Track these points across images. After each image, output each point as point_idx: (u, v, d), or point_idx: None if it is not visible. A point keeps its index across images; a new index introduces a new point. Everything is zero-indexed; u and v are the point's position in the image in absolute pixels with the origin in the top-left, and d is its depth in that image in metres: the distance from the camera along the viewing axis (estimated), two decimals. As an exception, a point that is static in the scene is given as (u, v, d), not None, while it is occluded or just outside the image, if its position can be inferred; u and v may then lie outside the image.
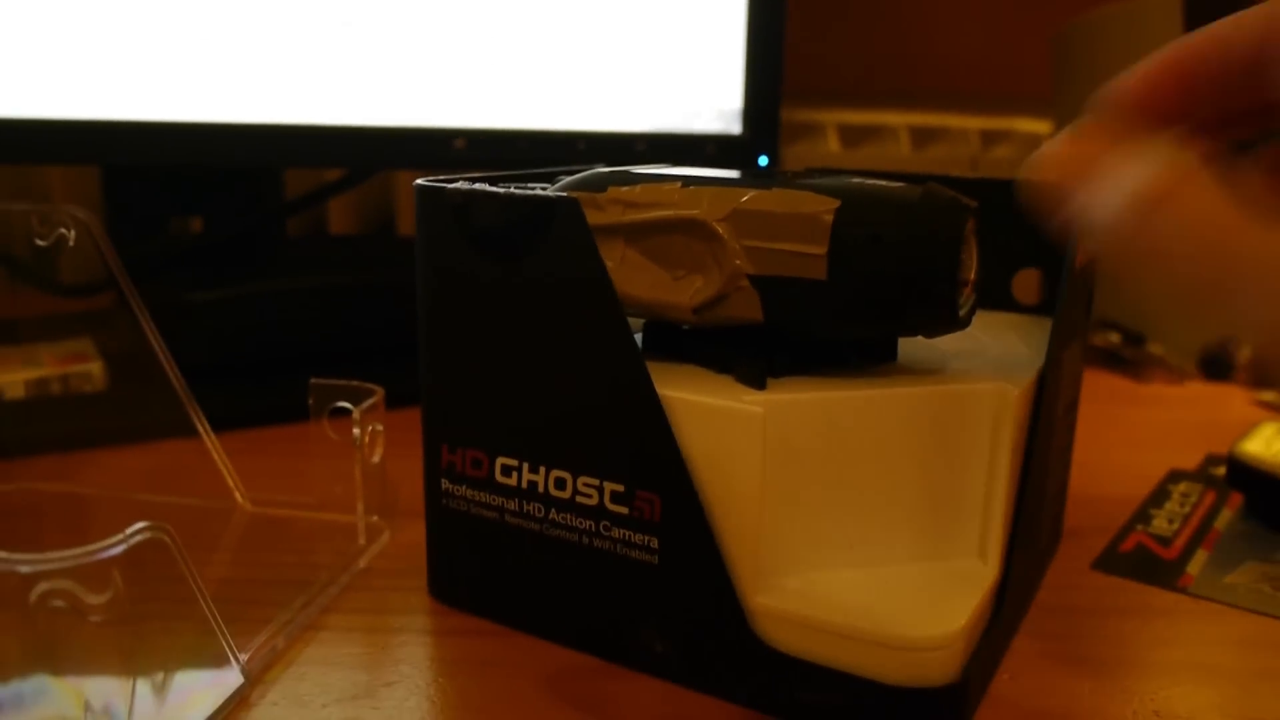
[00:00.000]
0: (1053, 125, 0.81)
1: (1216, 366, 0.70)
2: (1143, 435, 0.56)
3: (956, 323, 0.29)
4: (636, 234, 0.30)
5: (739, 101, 0.64)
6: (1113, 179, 0.22)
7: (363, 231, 0.88)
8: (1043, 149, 0.24)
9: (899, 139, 0.99)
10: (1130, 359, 0.71)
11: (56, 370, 0.56)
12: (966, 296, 0.29)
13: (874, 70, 1.06)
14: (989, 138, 1.04)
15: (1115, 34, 0.74)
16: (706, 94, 0.63)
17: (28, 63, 0.49)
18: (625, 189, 0.31)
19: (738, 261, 0.28)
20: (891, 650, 0.26)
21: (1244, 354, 0.69)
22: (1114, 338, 0.72)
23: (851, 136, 1.03)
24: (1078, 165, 0.23)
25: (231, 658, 0.29)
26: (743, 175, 0.31)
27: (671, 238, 0.30)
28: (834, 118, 1.02)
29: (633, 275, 0.30)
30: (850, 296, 0.28)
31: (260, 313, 0.58)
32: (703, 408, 0.27)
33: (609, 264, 0.30)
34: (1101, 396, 0.65)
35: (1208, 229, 0.20)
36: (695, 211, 0.29)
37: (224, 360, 0.57)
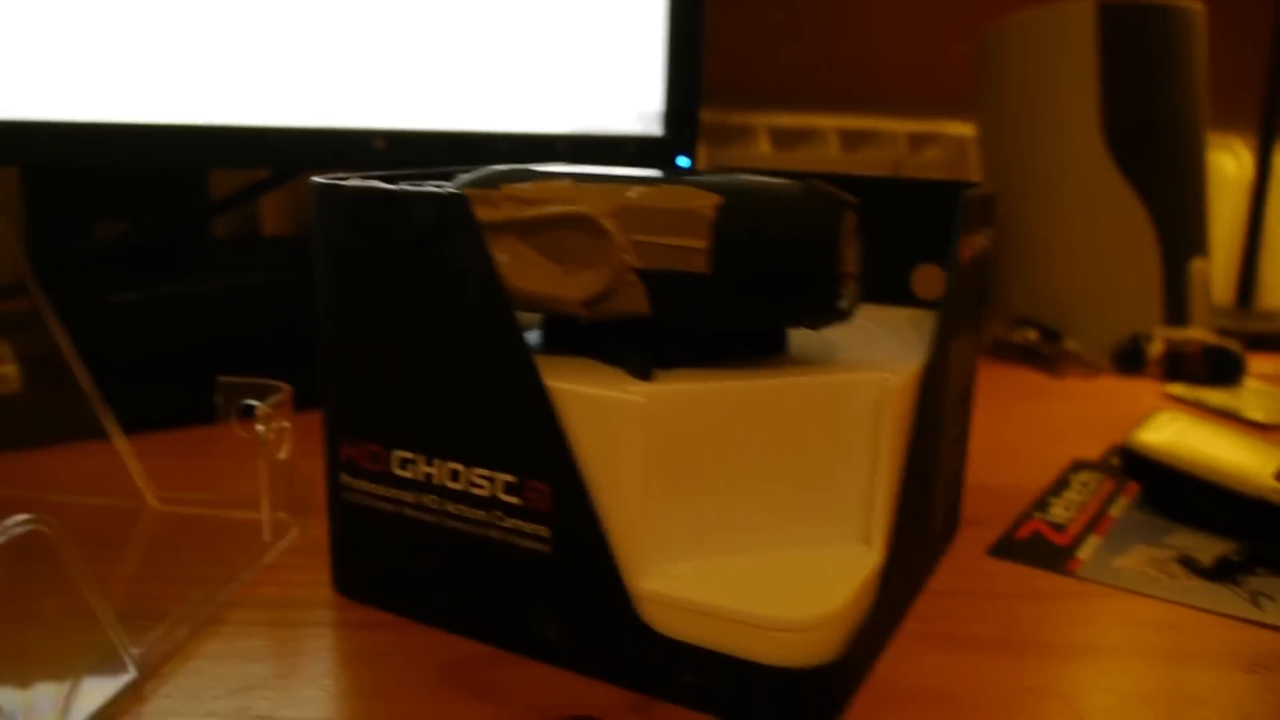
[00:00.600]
0: (977, 128, 0.83)
1: (1129, 360, 0.72)
2: (1052, 428, 0.58)
3: (837, 314, 0.30)
4: (529, 230, 0.31)
5: (659, 103, 0.65)
6: None
7: (296, 233, 0.88)
8: None
9: (829, 142, 1.00)
10: (1047, 355, 0.73)
11: (-30, 373, 0.55)
12: (848, 289, 0.30)
13: (805, 74, 1.08)
14: (917, 140, 1.06)
15: (1034, 39, 0.76)
16: (627, 95, 0.64)
17: (-65, 62, 0.49)
18: (519, 185, 0.31)
19: (625, 256, 0.29)
20: (770, 631, 0.27)
21: (1155, 348, 0.71)
22: (1031, 334, 0.74)
23: (783, 139, 1.04)
24: None
25: (123, 651, 0.29)
26: (635, 174, 0.31)
27: (562, 233, 0.30)
28: (765, 120, 1.04)
29: (525, 270, 0.31)
30: (732, 289, 0.28)
31: (181, 314, 0.58)
32: (587, 398, 0.28)
33: (502, 259, 0.31)
34: (1016, 391, 0.66)
35: None
36: (584, 207, 0.30)
37: (145, 361, 0.57)
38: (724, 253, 0.28)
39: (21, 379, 0.56)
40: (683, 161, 0.66)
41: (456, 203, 0.29)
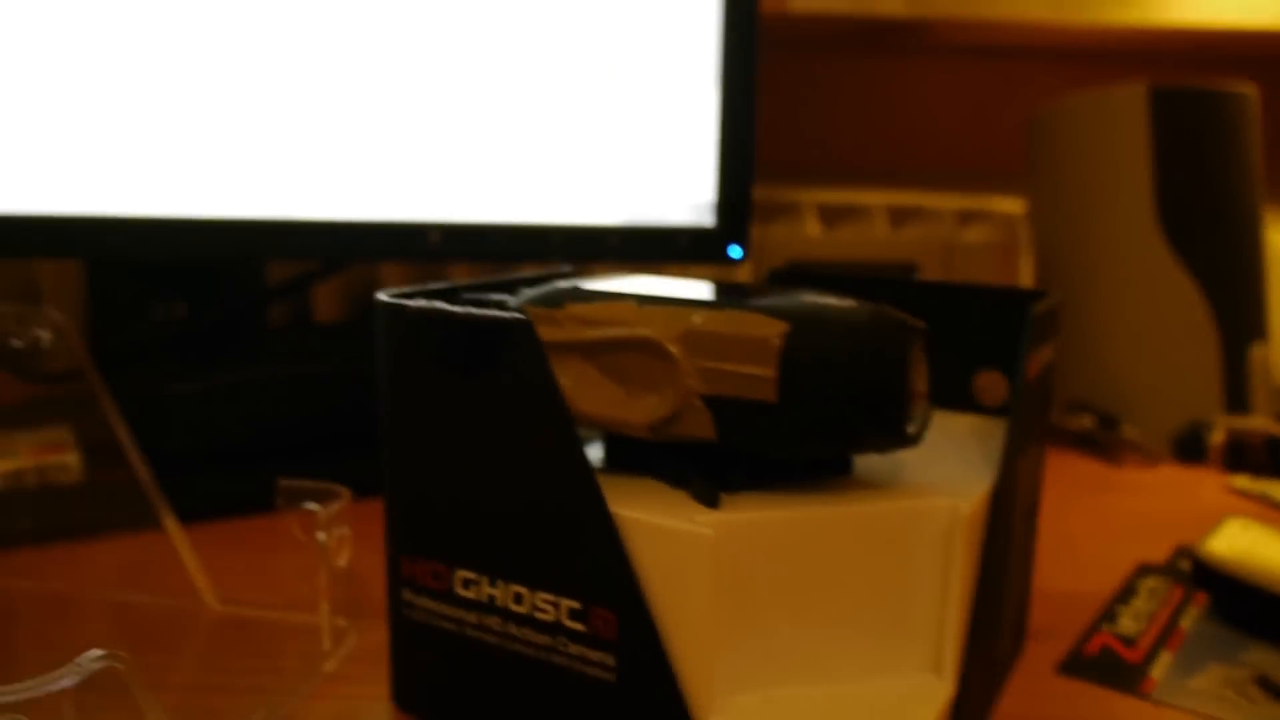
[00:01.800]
0: (1028, 208, 0.83)
1: (1190, 449, 0.70)
2: (1113, 525, 0.57)
3: (906, 440, 0.29)
4: (593, 351, 0.31)
5: (711, 194, 0.65)
6: None
7: (347, 317, 0.89)
8: None
9: (877, 219, 1.00)
10: (1104, 442, 0.71)
11: (33, 461, 0.56)
12: (917, 413, 0.30)
13: (853, 149, 1.08)
14: (965, 217, 1.06)
15: (1086, 122, 0.76)
16: (679, 187, 0.64)
17: (14, 160, 0.50)
18: (583, 306, 0.31)
19: (690, 381, 0.29)
20: (842, 773, 0.26)
21: (1217, 437, 0.70)
22: (1087, 421, 0.73)
23: (830, 216, 1.04)
24: None
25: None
26: (698, 292, 0.31)
27: (626, 356, 0.30)
28: (812, 197, 1.04)
29: (589, 392, 0.31)
30: (800, 418, 0.28)
31: (240, 403, 0.58)
32: (655, 528, 0.28)
33: (565, 380, 0.31)
34: (1073, 483, 0.65)
35: None
36: (649, 331, 0.30)
37: (205, 450, 0.58)
38: (791, 382, 0.28)
39: (83, 467, 0.57)
40: (735, 252, 0.66)
41: (521, 328, 0.29)
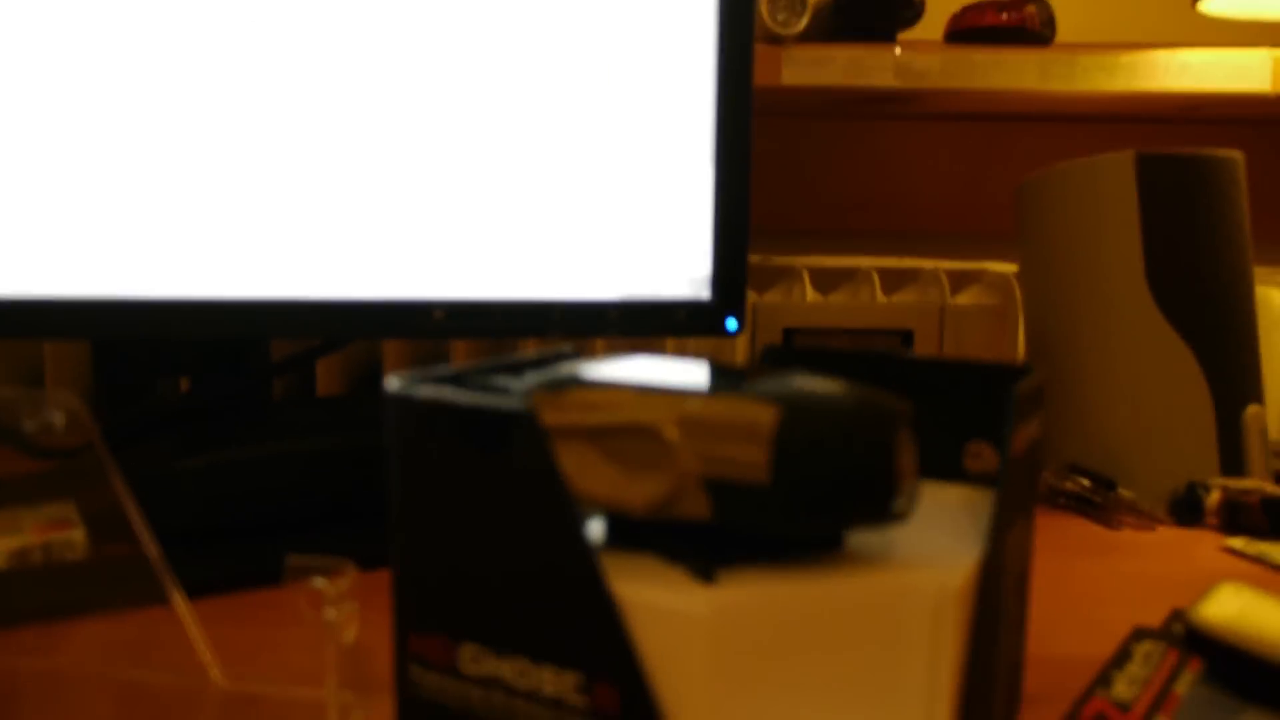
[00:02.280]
0: (1019, 273, 0.84)
1: (1186, 510, 0.71)
2: (1109, 588, 0.57)
3: (895, 518, 0.30)
4: (594, 435, 0.32)
5: (707, 268, 0.66)
6: None
7: (349, 389, 0.90)
8: None
9: (870, 283, 1.02)
10: (1100, 504, 0.72)
11: (39, 538, 0.57)
12: (905, 491, 0.31)
13: (845, 213, 1.10)
14: (959, 278, 1.08)
15: (1074, 189, 0.78)
16: (676, 262, 0.66)
17: (20, 243, 0.52)
18: (585, 392, 0.32)
19: (687, 464, 0.30)
20: None
21: (1213, 498, 0.70)
22: (1084, 483, 0.74)
23: (825, 280, 1.06)
24: None
25: None
26: (695, 377, 0.33)
27: (627, 440, 0.31)
28: (807, 262, 1.06)
29: (591, 474, 0.32)
30: (791, 499, 0.29)
31: (246, 479, 0.59)
32: (653, 609, 0.29)
33: (569, 462, 0.32)
34: (1069, 546, 0.66)
35: None
36: (648, 417, 0.31)
37: (210, 525, 0.58)
38: (783, 465, 0.29)
39: (87, 543, 0.58)
40: (731, 324, 0.67)
41: (527, 420, 0.30)
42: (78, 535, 0.57)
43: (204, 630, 0.47)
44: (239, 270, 0.56)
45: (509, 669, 0.32)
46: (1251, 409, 0.75)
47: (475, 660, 0.32)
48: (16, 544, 0.56)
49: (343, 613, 0.39)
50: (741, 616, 0.29)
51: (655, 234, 0.65)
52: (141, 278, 0.54)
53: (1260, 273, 1.13)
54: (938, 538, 0.35)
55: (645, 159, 0.64)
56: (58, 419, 0.43)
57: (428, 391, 0.32)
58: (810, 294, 1.00)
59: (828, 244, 1.13)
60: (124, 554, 0.46)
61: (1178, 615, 0.52)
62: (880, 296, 1.01)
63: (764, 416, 0.29)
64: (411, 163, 0.59)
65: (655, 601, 0.29)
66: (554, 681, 0.31)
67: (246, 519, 0.59)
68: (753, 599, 0.29)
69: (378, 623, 0.48)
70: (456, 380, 0.36)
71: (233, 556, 0.56)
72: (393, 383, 0.33)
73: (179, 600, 0.45)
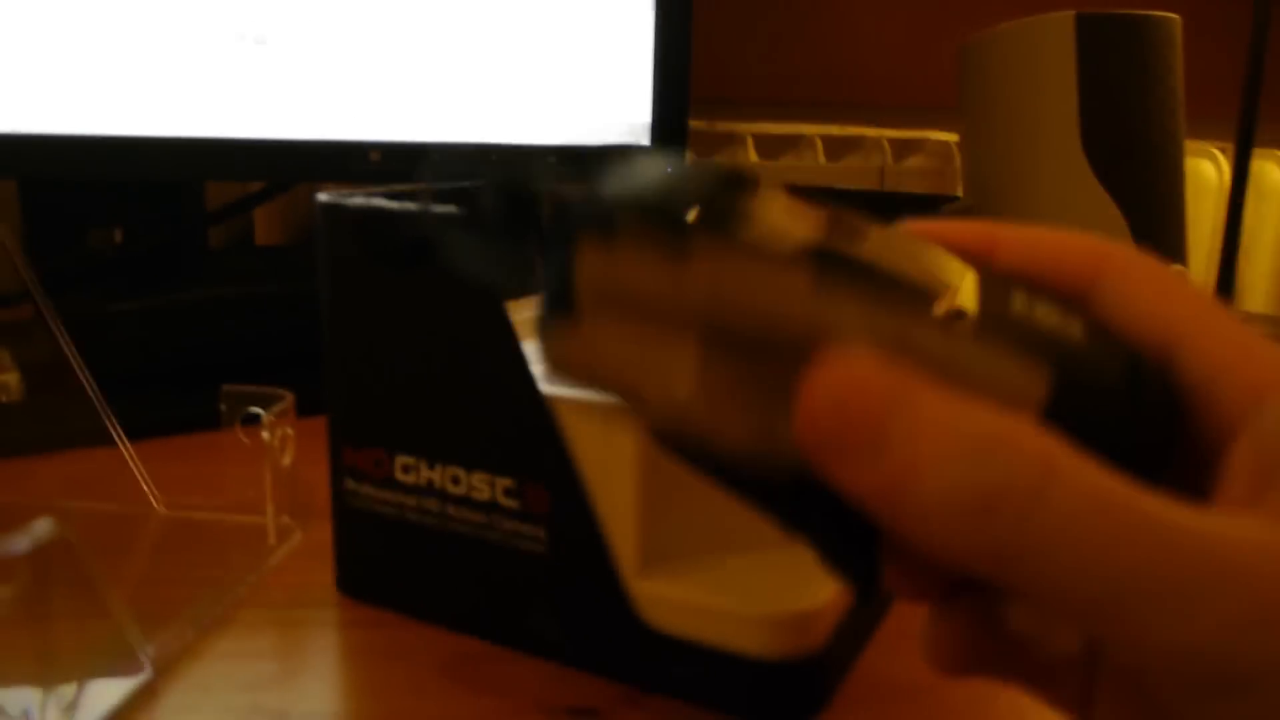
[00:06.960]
0: (960, 137, 0.85)
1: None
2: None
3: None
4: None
5: (648, 115, 0.66)
6: (950, 439, 0.16)
7: (288, 242, 0.89)
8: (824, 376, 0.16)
9: (814, 149, 1.02)
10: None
11: (-29, 382, 0.56)
12: None
13: (790, 82, 1.09)
14: (902, 147, 1.08)
15: (1015, 50, 0.78)
16: (616, 108, 0.65)
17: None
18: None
19: None
20: (758, 625, 0.28)
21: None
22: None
23: (769, 146, 1.06)
24: (878, 412, 0.16)
25: (139, 651, 0.30)
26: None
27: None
28: (751, 128, 1.05)
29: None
30: None
31: (179, 323, 0.59)
32: (583, 405, 0.29)
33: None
34: None
35: (1112, 512, 0.15)
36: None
37: (145, 369, 0.58)
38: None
39: (22, 387, 0.58)
40: (671, 172, 0.67)
41: (452, 220, 0.30)
42: (11, 379, 0.57)
43: (145, 467, 0.47)
44: (172, 109, 0.54)
45: (442, 476, 0.32)
46: (1175, 269, 0.77)
47: (409, 471, 0.33)
48: (-52, 387, 0.56)
49: (279, 436, 0.40)
50: (668, 414, 0.30)
51: (595, 80, 0.64)
52: (70, 114, 0.53)
53: (1192, 145, 1.15)
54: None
55: (587, 3, 0.63)
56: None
57: (359, 201, 0.32)
58: (754, 158, 1.00)
59: (772, 113, 1.12)
60: (60, 398, 0.46)
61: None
62: (823, 161, 1.01)
63: (1033, 386, 0.18)
64: (350, 1, 0.57)
65: (586, 399, 0.29)
66: (486, 486, 0.32)
67: (183, 364, 0.59)
68: (679, 398, 0.30)
69: (317, 463, 0.49)
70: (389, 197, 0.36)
71: (169, 399, 0.56)
72: (324, 195, 0.33)
73: (119, 436, 0.45)
